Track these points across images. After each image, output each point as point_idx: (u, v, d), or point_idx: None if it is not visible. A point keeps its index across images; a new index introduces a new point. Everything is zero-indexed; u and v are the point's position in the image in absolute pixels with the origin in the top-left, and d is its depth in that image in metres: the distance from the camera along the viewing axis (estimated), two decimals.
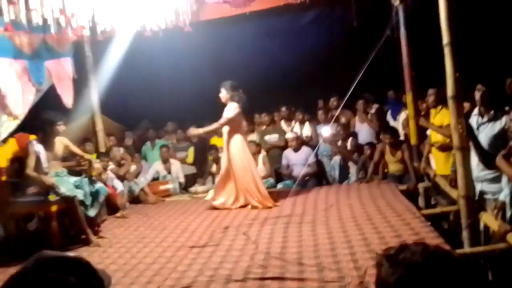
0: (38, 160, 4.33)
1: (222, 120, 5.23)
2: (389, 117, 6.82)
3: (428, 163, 5.32)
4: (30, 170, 4.23)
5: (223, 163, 5.34)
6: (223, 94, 5.29)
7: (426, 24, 5.16)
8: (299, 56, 7.31)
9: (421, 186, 5.33)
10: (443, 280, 0.95)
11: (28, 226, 4.66)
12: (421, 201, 5.22)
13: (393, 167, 5.74)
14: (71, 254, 1.01)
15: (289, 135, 6.40)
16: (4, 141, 4.54)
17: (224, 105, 5.36)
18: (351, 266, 3.12)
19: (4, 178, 4.39)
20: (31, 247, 4.19)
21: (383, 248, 1.10)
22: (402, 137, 6.10)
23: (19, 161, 4.50)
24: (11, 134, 4.65)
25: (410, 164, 5.51)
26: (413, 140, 5.70)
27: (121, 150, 6.62)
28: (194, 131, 5.54)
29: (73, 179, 4.51)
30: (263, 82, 7.70)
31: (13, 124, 4.69)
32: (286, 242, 3.81)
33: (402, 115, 6.43)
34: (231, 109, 5.22)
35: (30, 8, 4.11)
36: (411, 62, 5.62)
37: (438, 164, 5.05)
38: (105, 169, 5.62)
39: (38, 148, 4.37)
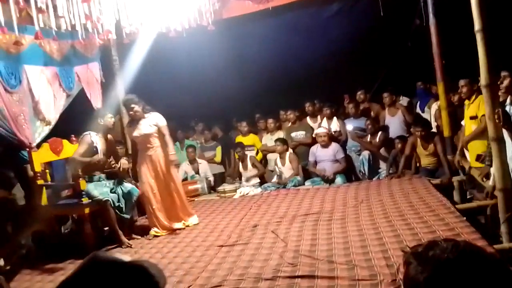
0: (94, 151, 4.49)
1: (167, 131, 4.82)
2: (418, 109, 6.61)
3: (462, 155, 5.11)
4: (76, 154, 4.43)
5: (151, 182, 4.70)
6: (137, 108, 4.74)
7: (456, 11, 4.97)
8: (323, 50, 7.18)
9: (455, 180, 5.14)
10: (475, 277, 0.90)
11: (63, 228, 4.80)
12: (456, 196, 5.04)
13: (426, 160, 5.56)
14: (127, 258, 1.02)
15: (320, 130, 6.27)
16: (38, 146, 4.69)
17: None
18: (383, 264, 3.04)
19: (39, 181, 4.55)
20: (66, 248, 4.32)
21: (419, 243, 1.06)
22: (434, 129, 5.90)
23: (52, 165, 4.65)
24: (44, 139, 4.80)
25: (443, 157, 5.32)
26: (446, 132, 5.51)
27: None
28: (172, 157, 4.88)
29: (108, 183, 4.60)
30: (288, 78, 7.63)
31: (46, 129, 4.85)
32: (315, 240, 3.76)
33: (434, 106, 6.21)
34: (162, 118, 4.82)
35: (59, 15, 4.22)
36: (441, 51, 5.41)
37: (474, 156, 4.84)
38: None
39: (95, 139, 4.50)
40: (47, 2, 4.04)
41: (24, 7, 3.80)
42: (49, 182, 4.70)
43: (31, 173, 4.61)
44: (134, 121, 4.76)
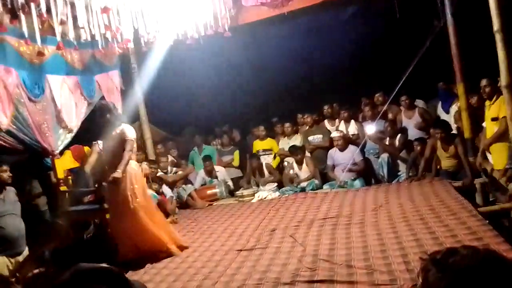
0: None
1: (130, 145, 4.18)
2: (440, 110, 6.50)
3: (484, 157, 5.01)
4: (87, 166, 4.50)
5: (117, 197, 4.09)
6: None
7: (475, 11, 4.90)
8: (340, 53, 7.16)
9: (477, 182, 5.02)
10: (496, 285, 0.90)
11: (85, 233, 4.89)
12: (478, 198, 4.93)
13: (446, 163, 5.46)
14: (104, 265, 1.06)
15: (335, 134, 6.27)
16: (61, 153, 4.82)
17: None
18: (403, 268, 3.01)
19: (62, 188, 4.66)
20: (88, 253, 4.41)
21: (437, 249, 1.05)
22: (454, 131, 5.80)
23: (74, 172, 4.77)
24: (67, 146, 4.93)
25: (464, 159, 5.22)
26: (467, 134, 5.41)
27: (169, 158, 6.80)
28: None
29: None
30: (304, 82, 7.64)
31: (68, 137, 4.98)
32: (334, 244, 3.73)
33: (454, 107, 6.10)
34: (131, 130, 4.29)
35: (79, 26, 4.34)
36: (460, 52, 5.33)
37: (496, 158, 4.74)
38: (156, 176, 5.81)
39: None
40: (68, 14, 4.17)
41: (46, 19, 3.92)
42: (72, 189, 4.81)
43: (54, 179, 4.73)
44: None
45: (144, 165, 4.94)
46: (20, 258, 4.04)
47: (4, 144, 4.18)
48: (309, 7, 5.79)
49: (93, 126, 4.39)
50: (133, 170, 4.12)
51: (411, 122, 6.17)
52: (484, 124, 4.98)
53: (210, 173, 6.78)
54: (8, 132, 4.16)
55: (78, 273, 1.01)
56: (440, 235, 3.52)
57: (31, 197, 4.53)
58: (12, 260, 3.99)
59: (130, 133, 4.20)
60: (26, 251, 4.12)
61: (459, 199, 4.42)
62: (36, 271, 3.27)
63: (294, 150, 6.39)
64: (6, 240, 3.95)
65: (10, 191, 4.15)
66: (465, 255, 0.94)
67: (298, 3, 5.71)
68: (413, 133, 6.06)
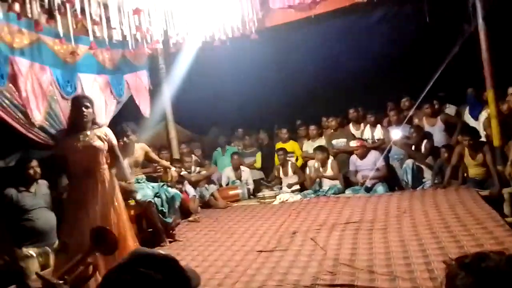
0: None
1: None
2: (468, 117, 6.36)
3: None
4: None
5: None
6: (91, 111, 3.81)
7: (507, 15, 4.78)
8: (367, 57, 7.09)
9: (506, 192, 4.89)
10: None
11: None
12: (506, 208, 4.79)
13: (474, 171, 5.34)
14: (161, 252, 1.10)
15: (352, 144, 6.25)
16: None
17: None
18: (426, 276, 2.97)
19: None
20: None
21: (463, 254, 1.05)
22: (483, 138, 5.66)
23: None
24: None
25: (493, 168, 5.10)
26: (496, 141, 5.27)
27: (193, 158, 6.89)
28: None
29: (151, 185, 4.79)
30: (330, 86, 7.59)
31: None
32: (355, 249, 3.71)
33: (483, 114, 5.96)
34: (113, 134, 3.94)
35: (111, 26, 4.48)
36: (491, 57, 5.21)
37: None
38: (179, 175, 5.90)
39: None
40: (101, 15, 4.31)
41: (80, 20, 4.06)
42: None
43: None
44: (78, 128, 3.72)
45: (174, 171, 5.00)
46: (51, 252, 4.18)
47: (37, 139, 4.34)
48: (337, 10, 5.78)
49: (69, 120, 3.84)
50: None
51: (433, 130, 6.07)
52: None
53: (237, 168, 6.84)
54: (41, 128, 4.32)
55: (136, 257, 1.03)
56: (465, 244, 3.45)
57: (60, 191, 4.67)
58: (43, 253, 4.13)
59: (114, 137, 3.82)
60: (56, 244, 4.26)
61: (486, 208, 4.32)
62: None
63: (320, 150, 6.35)
64: (37, 233, 4.10)
65: (42, 185, 4.31)
66: (498, 260, 0.93)
67: (326, 6, 5.70)
68: (439, 139, 5.96)
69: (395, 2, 6.47)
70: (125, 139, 4.73)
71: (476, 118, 6.21)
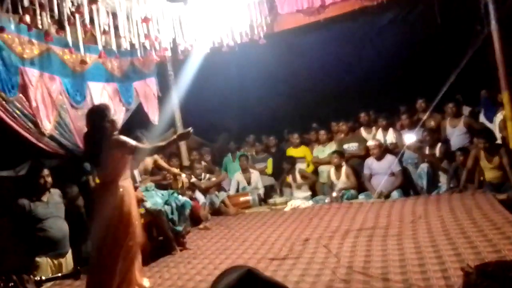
0: (131, 175, 4.64)
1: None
2: (482, 119, 6.23)
3: None
4: None
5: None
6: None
7: None
8: (377, 60, 7.03)
9: None
10: None
11: None
12: None
13: (490, 174, 5.21)
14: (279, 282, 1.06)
15: (370, 143, 6.13)
16: None
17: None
18: (443, 284, 2.87)
19: None
20: None
21: (483, 262, 0.99)
22: (499, 141, 5.53)
23: None
24: None
25: (510, 171, 4.97)
26: None
27: (203, 164, 6.87)
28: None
29: (161, 193, 4.77)
30: (341, 89, 7.52)
31: None
32: (369, 256, 3.63)
33: (499, 117, 5.83)
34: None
35: (120, 35, 4.50)
36: (505, 59, 5.09)
37: None
38: (189, 182, 5.87)
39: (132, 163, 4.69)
40: (110, 24, 4.34)
41: (89, 29, 4.08)
42: None
43: (92, 184, 4.88)
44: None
45: (184, 178, 4.96)
46: (63, 260, 4.18)
47: (46, 148, 4.36)
48: (346, 13, 5.74)
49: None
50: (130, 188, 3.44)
51: (456, 131, 5.94)
52: None
53: (245, 170, 6.80)
54: (51, 137, 4.35)
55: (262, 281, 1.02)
56: (482, 250, 3.34)
57: (71, 200, 4.68)
58: (56, 261, 4.13)
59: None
60: (69, 253, 4.26)
61: (504, 212, 4.19)
62: None
63: (337, 154, 6.25)
64: (50, 242, 4.10)
65: (55, 194, 4.32)
66: None
67: (335, 10, 5.66)
68: (457, 142, 5.82)
69: (405, 4, 6.40)
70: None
71: (491, 120, 6.07)
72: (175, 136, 3.51)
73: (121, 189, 3.28)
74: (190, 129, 3.49)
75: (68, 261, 4.24)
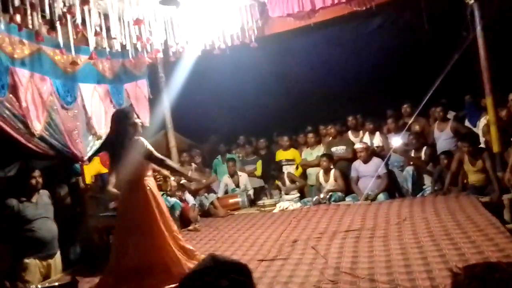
0: None
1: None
2: (466, 124, 6.38)
3: None
4: (110, 186, 4.56)
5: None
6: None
7: (505, 22, 4.82)
8: (366, 64, 7.14)
9: (506, 198, 4.88)
10: None
11: (110, 238, 5.00)
12: (506, 215, 4.78)
13: (474, 177, 5.34)
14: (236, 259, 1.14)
15: (358, 146, 6.23)
16: (90, 159, 4.97)
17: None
18: (428, 284, 2.96)
19: (89, 193, 4.80)
20: None
21: (470, 264, 1.04)
22: (482, 145, 5.67)
23: (102, 178, 4.90)
24: (95, 153, 5.08)
25: (492, 174, 5.10)
26: (496, 148, 5.28)
27: (193, 166, 6.90)
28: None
29: None
30: (330, 92, 7.62)
31: (97, 143, 5.13)
32: (356, 257, 3.70)
33: (482, 121, 5.97)
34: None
35: (111, 36, 4.51)
36: (490, 64, 5.24)
37: None
38: (179, 184, 5.89)
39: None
40: (101, 25, 4.35)
41: (80, 30, 4.09)
42: (99, 195, 4.94)
43: (82, 185, 4.88)
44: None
45: (173, 181, 4.99)
46: (52, 261, 4.17)
47: (36, 149, 4.35)
48: (336, 18, 5.81)
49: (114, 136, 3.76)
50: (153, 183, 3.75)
51: (443, 135, 6.06)
52: None
53: (233, 175, 6.85)
54: (41, 138, 4.34)
55: (224, 263, 1.08)
56: (466, 252, 3.44)
57: (60, 201, 4.67)
58: (44, 263, 4.12)
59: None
60: (58, 254, 4.24)
61: (486, 215, 4.31)
62: None
63: (326, 157, 6.33)
64: (38, 243, 4.08)
65: (44, 195, 4.30)
66: (511, 271, 0.93)
67: (324, 15, 5.74)
68: (444, 146, 5.95)
69: (394, 10, 6.52)
70: None
71: (474, 125, 6.22)
72: (189, 174, 4.13)
73: (148, 187, 3.58)
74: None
75: (57, 263, 4.23)
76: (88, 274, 4.14)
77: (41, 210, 4.18)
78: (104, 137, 5.19)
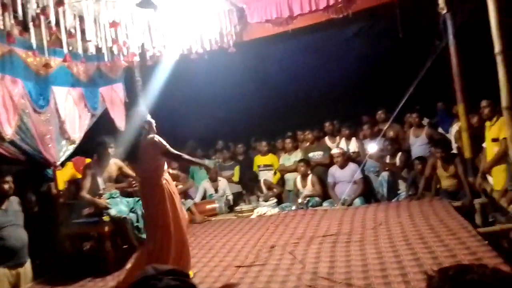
0: (95, 182, 4.56)
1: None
2: (439, 130, 6.55)
3: (484, 177, 5.03)
4: (84, 192, 4.46)
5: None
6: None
7: (476, 32, 4.97)
8: (342, 70, 7.24)
9: (477, 203, 5.03)
10: None
11: (84, 246, 4.88)
12: (477, 219, 4.92)
13: (446, 182, 5.48)
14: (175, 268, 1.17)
15: (335, 151, 6.30)
16: (62, 164, 4.83)
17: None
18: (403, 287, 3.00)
19: (61, 199, 4.67)
20: (86, 265, 4.40)
21: (445, 266, 1.06)
22: (454, 151, 5.82)
23: (75, 183, 4.78)
24: (68, 158, 4.95)
25: (464, 179, 5.24)
26: (467, 153, 5.43)
27: (171, 172, 6.80)
28: None
29: (126, 200, 4.69)
30: (306, 98, 7.69)
31: (71, 148, 5.00)
32: (333, 262, 3.73)
33: (454, 127, 6.14)
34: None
35: (86, 39, 4.42)
36: (462, 72, 5.39)
37: (496, 178, 4.76)
38: None
39: (95, 170, 4.60)
40: (76, 27, 4.26)
41: (54, 32, 3.99)
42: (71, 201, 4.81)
43: (54, 191, 4.74)
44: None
45: None
46: (22, 270, 4.02)
47: (5, 154, 4.20)
48: (313, 25, 5.88)
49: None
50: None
51: (418, 141, 6.19)
52: (484, 145, 5.01)
53: (215, 180, 6.80)
54: (11, 142, 4.19)
55: (167, 271, 1.10)
56: (439, 255, 3.51)
57: (31, 208, 4.53)
58: (14, 272, 3.96)
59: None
60: (28, 263, 4.09)
61: (459, 219, 4.42)
62: None
63: (304, 162, 6.34)
64: (7, 251, 3.91)
65: (14, 202, 4.14)
66: (482, 272, 0.95)
67: (303, 21, 5.79)
68: (418, 152, 6.07)
69: (369, 18, 6.65)
70: (106, 151, 4.65)
71: (446, 131, 6.39)
72: (204, 162, 4.52)
73: (164, 181, 3.79)
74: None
75: (26, 271, 4.08)
76: (60, 283, 4.02)
77: (11, 217, 4.02)
78: (78, 142, 5.07)
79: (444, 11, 5.37)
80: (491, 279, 0.93)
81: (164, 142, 3.82)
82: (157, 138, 3.85)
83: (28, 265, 4.09)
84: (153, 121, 3.96)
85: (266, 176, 6.89)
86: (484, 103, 4.79)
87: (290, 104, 7.72)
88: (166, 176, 3.88)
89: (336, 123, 6.91)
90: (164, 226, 3.72)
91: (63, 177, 4.75)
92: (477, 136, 5.34)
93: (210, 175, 6.85)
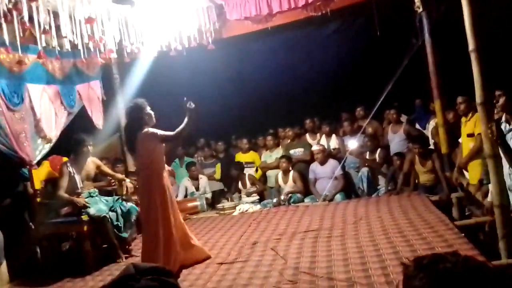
0: (72, 180, 4.47)
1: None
2: (417, 127, 6.67)
3: (460, 172, 5.15)
4: (61, 191, 4.37)
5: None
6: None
7: (451, 30, 5.08)
8: (322, 68, 7.29)
9: (454, 197, 5.16)
10: None
11: (63, 246, 4.78)
12: (454, 212, 5.05)
13: (424, 177, 5.59)
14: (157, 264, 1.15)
15: (315, 148, 6.35)
16: (39, 163, 4.72)
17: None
18: (383, 281, 3.05)
19: (38, 199, 4.56)
20: (65, 265, 4.31)
21: (420, 255, 1.08)
22: (431, 146, 5.95)
23: (52, 182, 4.67)
24: (45, 157, 4.83)
25: (441, 174, 5.35)
26: (444, 149, 5.55)
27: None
28: None
29: (105, 199, 4.62)
30: (287, 96, 7.71)
31: (47, 147, 4.88)
32: (315, 257, 3.75)
33: (431, 124, 6.27)
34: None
35: (62, 35, 4.31)
36: (438, 70, 5.50)
37: (471, 173, 4.88)
38: (135, 188, 5.73)
39: (72, 169, 4.51)
40: (51, 23, 4.14)
41: (28, 28, 3.88)
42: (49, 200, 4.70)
43: (31, 190, 4.62)
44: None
45: (129, 182, 4.86)
46: None
47: None
48: (292, 22, 5.89)
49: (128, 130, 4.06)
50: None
51: (396, 137, 6.30)
52: (460, 140, 5.13)
53: (196, 178, 6.75)
54: None
55: (149, 269, 1.08)
56: (418, 248, 3.58)
57: (6, 208, 4.40)
58: None
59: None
60: (4, 264, 3.98)
61: (436, 212, 4.51)
62: None
63: (286, 159, 6.36)
64: None
65: None
66: (454, 261, 0.97)
67: (282, 19, 5.79)
68: (397, 148, 6.17)
69: (348, 16, 6.71)
70: (84, 149, 4.56)
71: (424, 127, 6.52)
72: (188, 115, 4.07)
73: (164, 174, 3.89)
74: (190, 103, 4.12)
75: (2, 273, 3.96)
76: (37, 284, 3.93)
77: None
78: (54, 140, 4.95)
79: (420, 10, 5.47)
80: (462, 267, 0.95)
81: (158, 130, 3.88)
82: (151, 129, 3.89)
83: (4, 267, 3.98)
84: (152, 113, 4.00)
85: (248, 173, 6.88)
86: (460, 99, 4.90)
87: (270, 101, 7.73)
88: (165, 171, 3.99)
89: (316, 120, 6.97)
90: (164, 218, 3.84)
91: (39, 176, 4.63)
92: (453, 132, 5.47)
93: (191, 173, 6.80)
